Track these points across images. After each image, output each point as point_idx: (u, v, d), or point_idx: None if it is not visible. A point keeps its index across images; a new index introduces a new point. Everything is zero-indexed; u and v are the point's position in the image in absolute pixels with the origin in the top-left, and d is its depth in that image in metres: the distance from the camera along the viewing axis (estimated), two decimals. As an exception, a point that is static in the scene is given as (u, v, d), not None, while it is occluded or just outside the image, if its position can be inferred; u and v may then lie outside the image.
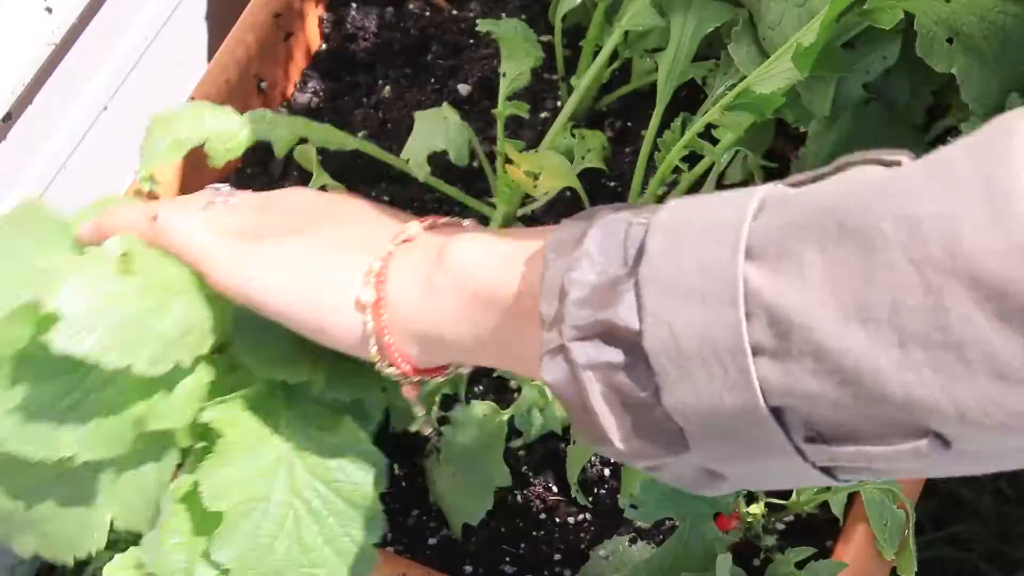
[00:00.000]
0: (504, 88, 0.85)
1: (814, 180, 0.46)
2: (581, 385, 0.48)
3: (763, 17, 0.78)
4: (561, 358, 0.48)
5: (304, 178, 0.95)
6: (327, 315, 0.58)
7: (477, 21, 0.85)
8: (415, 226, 0.60)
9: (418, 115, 0.87)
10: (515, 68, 0.84)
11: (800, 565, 0.73)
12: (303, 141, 0.84)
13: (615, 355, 0.47)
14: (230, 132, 0.81)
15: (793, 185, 0.47)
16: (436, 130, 0.86)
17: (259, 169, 0.97)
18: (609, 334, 0.47)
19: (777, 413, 0.44)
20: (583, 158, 0.86)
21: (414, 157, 0.85)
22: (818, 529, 0.79)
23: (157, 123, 0.81)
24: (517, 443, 0.81)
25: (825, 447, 0.44)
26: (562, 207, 0.90)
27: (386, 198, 0.94)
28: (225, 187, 0.66)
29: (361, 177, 0.95)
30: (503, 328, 0.54)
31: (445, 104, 0.88)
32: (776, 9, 0.76)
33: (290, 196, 0.65)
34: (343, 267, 0.59)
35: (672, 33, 0.82)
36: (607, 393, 0.47)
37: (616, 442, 0.48)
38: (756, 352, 0.43)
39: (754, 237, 0.44)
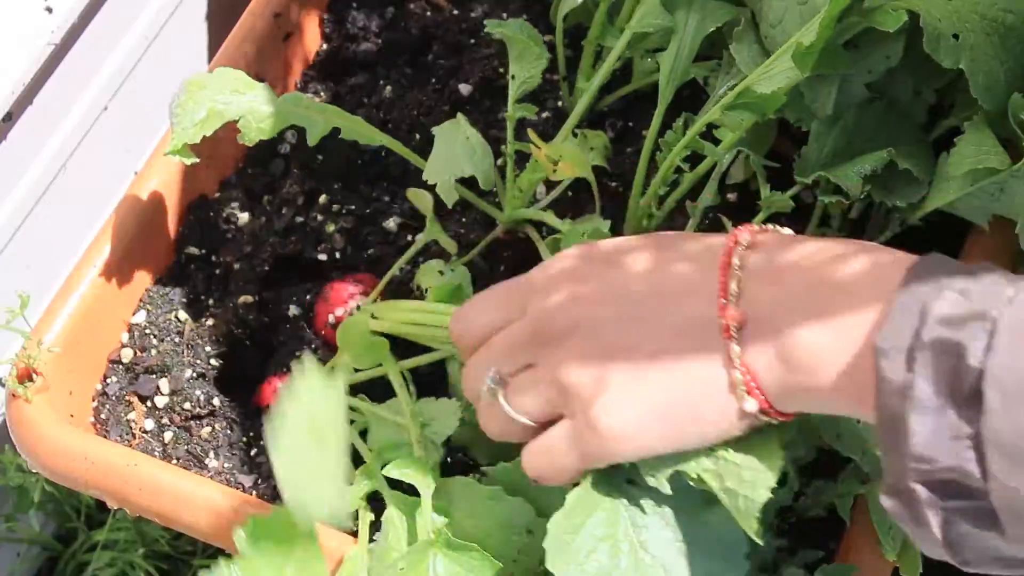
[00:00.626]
0: (513, 91, 0.84)
1: None
2: (923, 519, 0.50)
3: (765, 16, 0.78)
4: (903, 497, 0.51)
5: (305, 180, 0.95)
6: (704, 410, 0.59)
7: (485, 22, 0.85)
8: (733, 279, 0.59)
9: (437, 132, 0.85)
10: (525, 71, 0.83)
11: (810, 568, 0.73)
12: (336, 131, 0.83)
13: (959, 501, 0.49)
14: (266, 111, 0.80)
15: None
16: (460, 152, 0.83)
17: (260, 169, 0.97)
18: (952, 483, 0.49)
19: None
20: (586, 156, 0.87)
21: (441, 183, 0.83)
22: (822, 530, 0.79)
23: (193, 87, 0.78)
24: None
25: None
26: (565, 206, 0.90)
27: (387, 198, 0.94)
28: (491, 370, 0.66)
29: (363, 177, 0.95)
30: (835, 407, 0.57)
31: (459, 116, 0.86)
32: (778, 7, 0.76)
33: (547, 316, 0.64)
34: (693, 356, 0.59)
35: (674, 32, 0.82)
36: (947, 526, 0.50)
37: (953, 561, 0.52)
38: None
39: None
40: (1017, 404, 0.47)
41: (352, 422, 0.80)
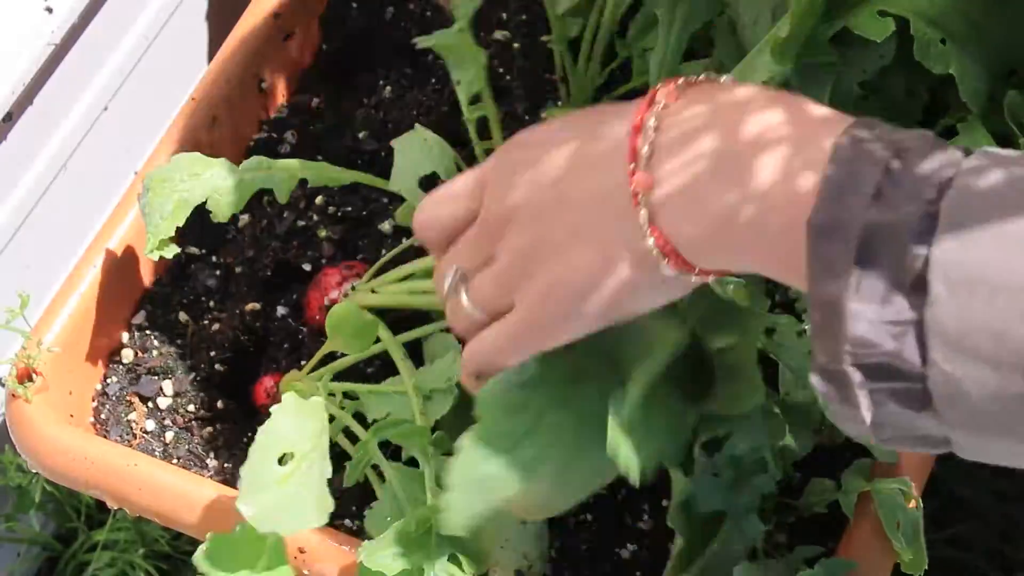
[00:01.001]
0: (462, 95, 0.85)
1: None
2: (854, 400, 0.48)
3: (740, 17, 0.78)
4: (835, 378, 0.48)
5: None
6: (625, 282, 0.55)
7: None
8: (651, 119, 0.54)
9: (396, 143, 0.87)
10: (467, 73, 0.85)
11: (809, 563, 0.73)
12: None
13: (891, 383, 0.47)
14: (228, 186, 0.80)
15: None
16: (420, 155, 0.86)
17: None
18: (887, 367, 0.47)
19: None
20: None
21: (404, 184, 0.85)
22: (822, 528, 0.79)
23: (155, 182, 0.80)
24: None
25: None
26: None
27: (384, 199, 0.94)
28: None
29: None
30: (756, 264, 0.52)
31: (418, 126, 0.87)
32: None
33: (492, 207, 0.60)
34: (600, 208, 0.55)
35: (660, 31, 0.82)
36: (876, 407, 0.48)
37: (871, 438, 0.49)
38: None
39: None
40: (962, 293, 0.44)
41: (344, 406, 0.81)
